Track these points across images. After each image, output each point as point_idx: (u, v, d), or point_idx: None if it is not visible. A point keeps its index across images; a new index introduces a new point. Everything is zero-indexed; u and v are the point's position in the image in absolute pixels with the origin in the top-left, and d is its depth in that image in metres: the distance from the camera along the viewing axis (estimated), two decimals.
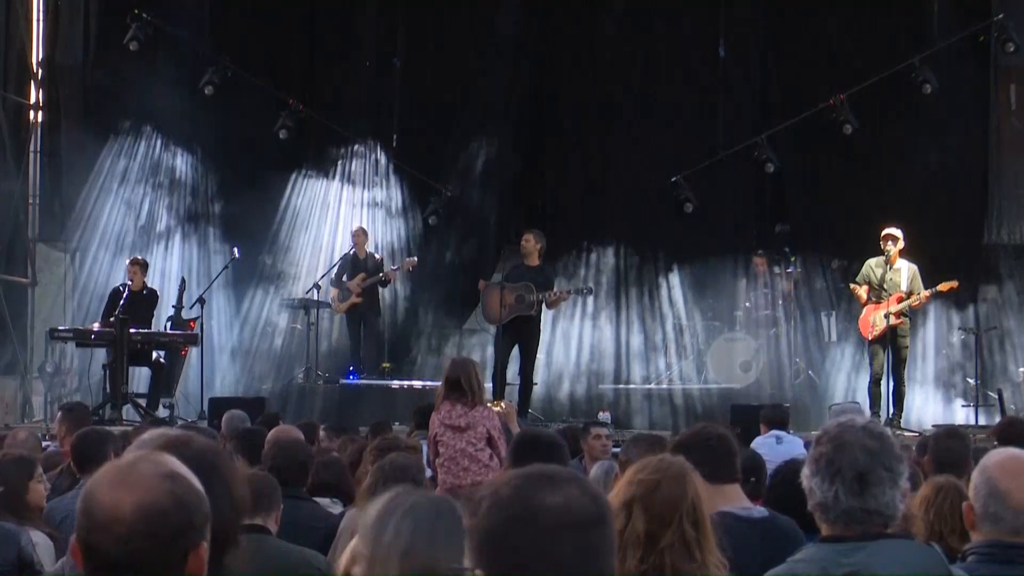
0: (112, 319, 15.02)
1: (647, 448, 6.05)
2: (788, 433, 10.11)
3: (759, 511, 5.03)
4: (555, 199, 18.85)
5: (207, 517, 2.56)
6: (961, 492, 4.91)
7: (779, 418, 10.43)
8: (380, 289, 17.32)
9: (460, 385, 8.84)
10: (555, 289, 15.16)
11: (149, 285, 15.88)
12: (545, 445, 5.36)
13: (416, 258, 17.25)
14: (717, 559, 3.75)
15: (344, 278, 17.07)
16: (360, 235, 17.20)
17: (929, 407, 16.25)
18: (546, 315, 15.87)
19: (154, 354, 15.53)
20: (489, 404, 9.23)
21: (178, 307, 16.64)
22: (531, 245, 15.11)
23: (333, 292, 17.16)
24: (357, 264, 17.06)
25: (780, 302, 17.12)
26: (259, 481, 5.85)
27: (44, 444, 9.50)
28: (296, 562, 5.39)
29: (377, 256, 17.35)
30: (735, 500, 4.86)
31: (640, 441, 7.04)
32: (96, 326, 15.33)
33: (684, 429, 5.66)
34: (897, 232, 14.86)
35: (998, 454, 4.16)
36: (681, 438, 5.12)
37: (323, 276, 17.35)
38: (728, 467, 4.89)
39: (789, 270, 17.34)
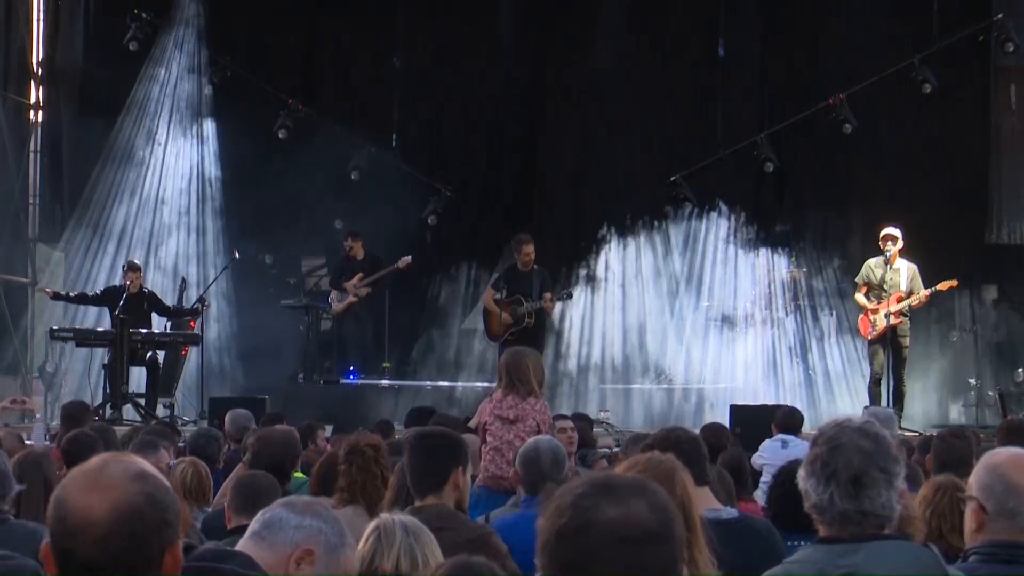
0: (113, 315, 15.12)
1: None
2: (796, 438, 10.12)
3: (728, 512, 5.07)
4: (554, 198, 18.83)
5: (179, 514, 2.58)
6: (960, 490, 4.90)
7: (791, 423, 10.48)
8: (382, 287, 17.32)
9: (510, 374, 8.59)
10: (549, 293, 15.25)
11: (145, 287, 15.89)
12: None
13: (410, 257, 17.21)
14: (707, 557, 3.76)
15: (343, 279, 17.12)
16: (350, 239, 17.23)
17: (929, 407, 16.24)
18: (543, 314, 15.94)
19: (149, 353, 15.54)
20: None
21: (178, 307, 16.68)
22: (533, 256, 15.24)
23: (333, 293, 17.18)
24: (355, 264, 17.08)
25: (780, 302, 17.12)
26: (259, 481, 5.85)
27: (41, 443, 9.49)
28: None
29: (378, 256, 17.34)
30: (705, 503, 4.88)
31: (639, 441, 7.05)
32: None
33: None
34: (896, 232, 14.88)
35: (1005, 452, 4.14)
36: (651, 440, 5.13)
37: (323, 276, 17.38)
38: (698, 470, 4.91)
39: (789, 270, 17.35)
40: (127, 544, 2.45)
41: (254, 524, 3.50)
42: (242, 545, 3.46)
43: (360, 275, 16.96)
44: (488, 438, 8.58)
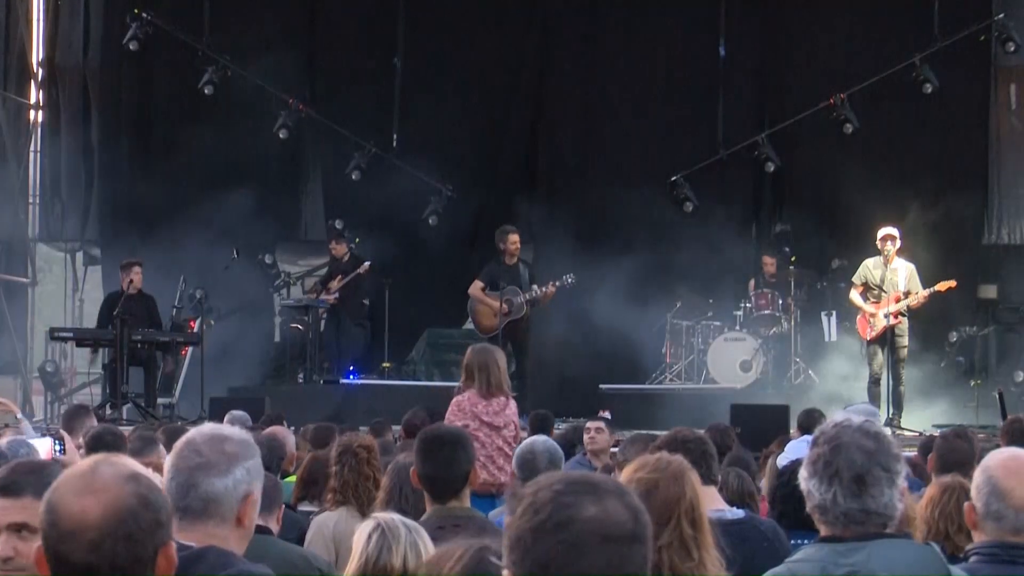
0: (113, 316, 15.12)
1: (643, 448, 6.08)
2: None
3: (734, 512, 5.07)
4: (554, 198, 18.82)
5: (171, 515, 2.58)
6: (967, 491, 4.92)
7: (812, 423, 10.50)
8: (358, 290, 17.30)
9: (487, 375, 8.40)
10: (537, 285, 15.21)
11: (145, 290, 15.90)
12: (449, 443, 5.31)
13: (369, 263, 17.14)
14: (715, 558, 3.76)
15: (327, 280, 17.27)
16: (332, 240, 17.28)
17: (929, 407, 16.24)
18: (543, 314, 15.90)
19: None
20: None
21: (178, 307, 16.70)
22: (519, 246, 15.27)
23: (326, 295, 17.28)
24: (336, 266, 17.15)
25: (780, 302, 17.12)
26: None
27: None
28: (297, 562, 5.39)
29: (361, 258, 17.29)
30: (711, 503, 4.88)
31: (637, 441, 7.05)
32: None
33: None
34: (895, 232, 14.92)
35: (1000, 453, 4.18)
36: (658, 442, 5.14)
37: (321, 278, 17.44)
38: (704, 470, 4.91)
39: (789, 270, 17.34)
40: (122, 546, 2.45)
41: (193, 502, 3.30)
42: (199, 536, 3.26)
43: (339, 277, 17.00)
44: (475, 444, 8.47)
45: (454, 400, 8.66)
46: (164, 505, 2.55)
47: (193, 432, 3.43)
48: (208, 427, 3.48)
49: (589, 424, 9.97)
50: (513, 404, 8.58)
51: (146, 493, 2.51)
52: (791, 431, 12.65)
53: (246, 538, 3.39)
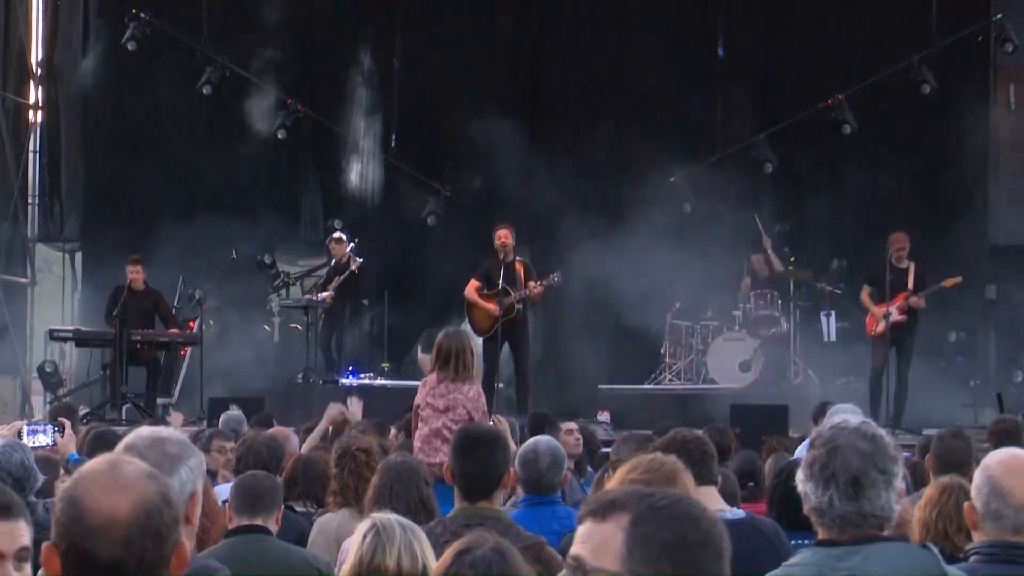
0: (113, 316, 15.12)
1: (637, 447, 6.09)
2: None
3: (734, 513, 5.08)
4: (553, 199, 18.82)
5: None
6: (966, 492, 4.92)
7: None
8: (357, 290, 17.30)
9: (445, 359, 8.74)
10: (529, 281, 15.10)
11: (150, 285, 15.89)
12: (487, 442, 5.30)
13: (361, 260, 17.11)
14: None
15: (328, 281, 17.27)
16: (332, 243, 17.25)
17: (929, 407, 16.24)
18: (542, 314, 15.87)
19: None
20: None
21: (177, 307, 16.70)
22: (511, 241, 15.17)
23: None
24: (335, 266, 17.17)
25: (780, 302, 17.12)
26: (260, 481, 5.85)
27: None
28: (297, 562, 5.40)
29: (358, 259, 17.29)
30: (710, 503, 4.89)
31: (631, 440, 7.04)
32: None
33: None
34: (905, 236, 15.09)
35: (1000, 453, 4.18)
36: (657, 443, 5.15)
37: (324, 279, 17.43)
38: (704, 470, 4.92)
39: (789, 270, 17.34)
40: (150, 542, 2.46)
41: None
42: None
43: (337, 277, 17.00)
44: (420, 424, 8.68)
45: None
46: (177, 504, 2.58)
47: (132, 437, 3.45)
48: (146, 430, 3.51)
49: (565, 425, 9.69)
50: (470, 389, 8.69)
51: (166, 491, 2.54)
52: (789, 431, 12.68)
53: (194, 534, 3.46)
